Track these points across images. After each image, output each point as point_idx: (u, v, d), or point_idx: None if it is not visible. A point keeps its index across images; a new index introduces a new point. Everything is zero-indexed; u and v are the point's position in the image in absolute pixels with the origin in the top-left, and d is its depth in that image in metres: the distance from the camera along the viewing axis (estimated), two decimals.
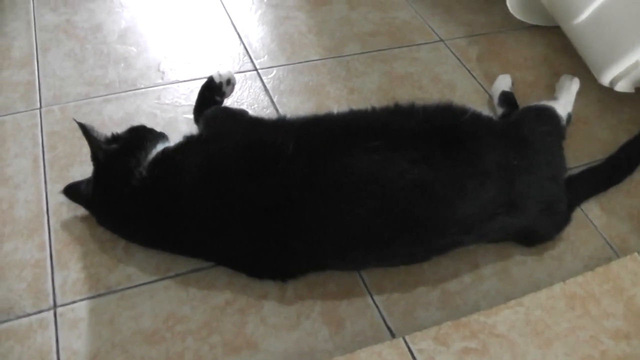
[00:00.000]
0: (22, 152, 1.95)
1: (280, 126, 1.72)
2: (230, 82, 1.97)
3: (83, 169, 1.84)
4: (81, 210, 1.76)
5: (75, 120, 1.71)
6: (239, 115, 1.86)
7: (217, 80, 1.95)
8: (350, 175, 1.50)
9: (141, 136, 1.73)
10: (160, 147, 1.68)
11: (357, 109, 1.71)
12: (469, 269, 1.69)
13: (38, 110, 2.08)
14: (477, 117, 1.66)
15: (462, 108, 1.68)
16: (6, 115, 2.07)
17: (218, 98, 1.96)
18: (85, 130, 1.68)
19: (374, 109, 1.69)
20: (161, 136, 1.76)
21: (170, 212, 1.59)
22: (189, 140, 1.67)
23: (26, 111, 2.08)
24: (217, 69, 1.97)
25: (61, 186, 1.76)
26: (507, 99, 2.07)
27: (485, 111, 1.74)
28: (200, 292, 1.63)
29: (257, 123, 1.76)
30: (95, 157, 1.69)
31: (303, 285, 1.64)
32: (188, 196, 1.57)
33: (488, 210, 1.54)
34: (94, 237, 1.73)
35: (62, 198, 1.75)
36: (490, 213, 1.55)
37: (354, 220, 1.50)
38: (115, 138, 1.73)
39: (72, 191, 1.74)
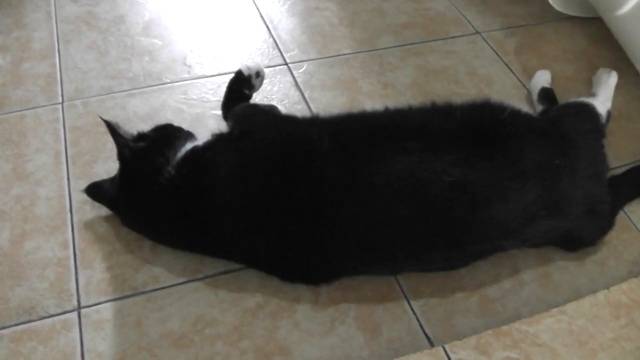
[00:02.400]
0: (44, 147, 1.96)
1: (313, 123, 1.72)
2: (259, 75, 1.98)
3: (107, 165, 1.87)
4: (105, 210, 1.78)
5: (100, 117, 1.71)
6: (270, 112, 1.88)
7: (245, 73, 1.95)
8: (388, 177, 1.50)
9: (169, 134, 1.74)
10: (189, 145, 1.69)
11: (392, 108, 1.70)
12: (508, 274, 1.69)
13: (60, 105, 2.10)
14: (516, 114, 1.66)
15: (500, 105, 1.67)
16: (27, 109, 2.08)
17: (247, 92, 1.97)
18: (112, 128, 1.69)
19: (410, 108, 1.69)
20: (189, 135, 1.77)
21: (200, 212, 1.60)
22: (218, 138, 1.68)
23: (47, 105, 2.10)
24: (246, 62, 1.97)
25: (84, 183, 1.78)
26: (546, 95, 2.07)
27: (525, 107, 1.74)
28: (231, 294, 1.64)
29: (290, 120, 1.77)
30: (121, 155, 1.70)
31: (337, 289, 1.65)
32: (218, 196, 1.58)
33: (529, 213, 1.53)
34: (119, 236, 1.74)
35: (86, 196, 1.77)
36: (532, 216, 1.54)
37: (391, 223, 1.50)
38: (141, 136, 1.74)
39: (95, 190, 1.76)
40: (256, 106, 1.94)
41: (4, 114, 2.07)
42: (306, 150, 1.57)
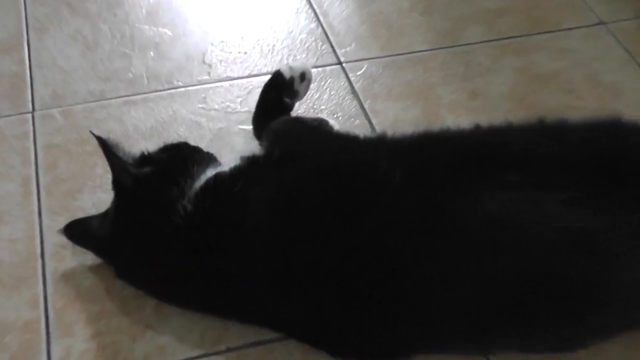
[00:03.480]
0: (6, 172, 1.95)
1: (380, 146, 1.69)
2: (304, 78, 1.97)
3: (96, 196, 1.84)
4: (91, 257, 1.75)
5: (91, 132, 1.68)
6: (322, 129, 1.86)
7: (286, 75, 1.95)
8: (479, 221, 1.45)
9: (184, 157, 1.72)
10: (210, 172, 1.66)
11: (485, 126, 1.68)
12: None
13: (30, 114, 2.09)
14: None
15: (634, 126, 1.64)
16: None
17: (287, 100, 1.96)
18: (106, 147, 1.65)
19: (509, 126, 1.66)
20: (211, 158, 1.76)
21: (226, 262, 1.56)
22: (251, 163, 1.65)
23: (12, 115, 2.10)
24: (286, 61, 1.98)
25: (63, 220, 1.74)
26: None
27: None
28: None
29: (349, 141, 1.74)
30: (119, 184, 1.68)
31: None
32: (251, 240, 1.54)
33: None
34: (110, 292, 1.71)
35: (64, 238, 1.74)
36: None
37: (483, 283, 1.45)
38: (146, 159, 1.72)
39: (78, 230, 1.73)
40: (302, 121, 1.93)
41: None
42: (371, 182, 1.53)
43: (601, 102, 2.14)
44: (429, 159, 1.59)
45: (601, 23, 2.38)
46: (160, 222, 1.61)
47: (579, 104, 2.13)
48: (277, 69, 1.96)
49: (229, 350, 1.63)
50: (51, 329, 1.65)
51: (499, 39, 2.33)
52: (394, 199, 1.50)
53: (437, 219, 1.48)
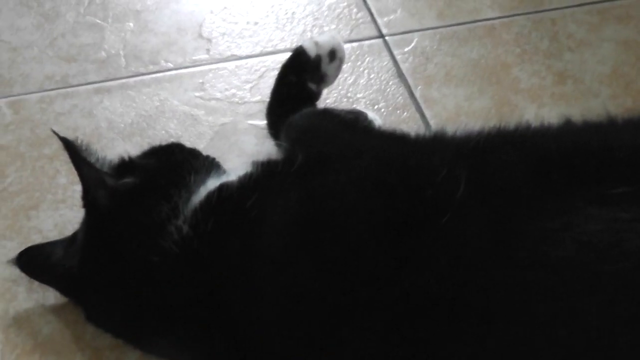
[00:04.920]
0: None
1: (437, 147, 1.72)
2: (335, 56, 2.00)
3: (58, 215, 1.89)
4: (54, 294, 1.80)
5: (54, 131, 1.71)
6: (359, 126, 1.89)
7: (311, 52, 1.98)
8: (572, 247, 1.44)
9: (177, 163, 1.77)
10: (212, 182, 1.70)
11: (579, 121, 1.69)
12: None
13: None
14: None
15: None
16: None
17: (312, 86, 1.99)
18: (75, 152, 1.69)
19: (612, 122, 1.68)
20: (213, 164, 1.80)
21: (235, 303, 1.58)
22: (266, 171, 1.69)
23: None
24: (310, 34, 2.02)
25: (14, 246, 1.81)
26: None
27: None
28: None
29: (397, 142, 1.77)
30: (91, 199, 1.71)
31: None
32: (270, 272, 1.57)
33: None
34: (79, 341, 1.76)
35: (16, 270, 1.77)
36: None
37: (574, 324, 1.44)
38: (128, 165, 1.76)
39: (35, 260, 1.77)
40: (332, 115, 1.95)
41: None
42: (428, 197, 1.55)
43: None
44: (502, 166, 1.60)
45: None
46: (146, 249, 1.63)
47: None
48: (300, 44, 1.98)
49: None
50: None
51: (596, 2, 2.36)
52: (457, 218, 1.50)
53: (514, 245, 1.48)
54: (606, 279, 1.39)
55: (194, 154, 1.82)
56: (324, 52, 1.98)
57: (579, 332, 1.40)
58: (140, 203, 1.67)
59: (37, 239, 1.82)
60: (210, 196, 1.64)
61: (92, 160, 1.69)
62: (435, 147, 1.69)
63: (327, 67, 1.99)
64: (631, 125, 1.65)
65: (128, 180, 1.70)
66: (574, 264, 1.41)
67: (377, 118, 1.96)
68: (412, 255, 1.47)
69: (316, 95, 2.00)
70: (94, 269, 1.69)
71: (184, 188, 1.68)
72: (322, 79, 2.00)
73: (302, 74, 1.98)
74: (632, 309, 1.38)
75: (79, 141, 1.68)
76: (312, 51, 1.97)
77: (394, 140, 1.77)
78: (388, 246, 1.49)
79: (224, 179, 1.71)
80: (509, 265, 1.43)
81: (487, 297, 1.43)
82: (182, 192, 1.67)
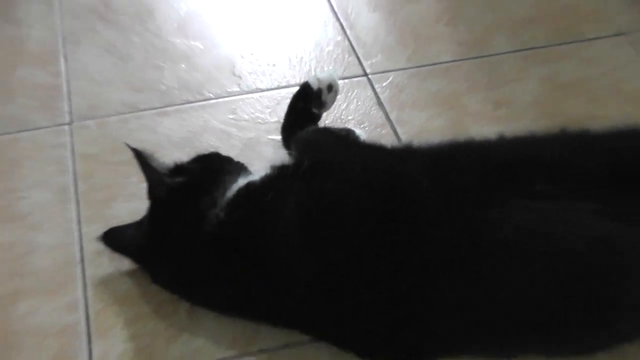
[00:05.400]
0: (44, 181, 1.99)
1: (407, 156, 1.72)
2: (332, 89, 1.98)
3: (131, 205, 1.87)
4: (128, 263, 1.79)
5: (127, 144, 1.71)
6: (349, 139, 1.89)
7: (314, 86, 1.96)
8: (509, 230, 1.47)
9: (216, 167, 1.76)
10: (242, 181, 1.70)
11: (510, 136, 1.69)
12: None
13: (67, 126, 2.13)
14: None
15: None
16: (21, 131, 2.12)
17: (315, 111, 1.98)
18: (142, 159, 1.70)
19: (533, 137, 1.67)
20: (242, 167, 1.79)
21: (257, 268, 1.59)
22: (281, 172, 1.69)
23: (50, 127, 2.13)
24: (314, 72, 2.02)
25: (99, 228, 1.78)
26: None
27: None
28: None
29: (377, 151, 1.76)
30: (154, 194, 1.73)
31: None
32: (282, 248, 1.58)
33: None
34: (146, 296, 1.75)
35: (101, 245, 1.76)
36: None
37: (511, 291, 1.47)
38: (179, 169, 1.75)
39: (115, 238, 1.77)
40: (329, 131, 1.96)
41: None
42: (401, 193, 1.56)
43: (623, 111, 2.15)
44: (457, 170, 1.60)
45: (622, 33, 2.38)
46: (193, 230, 1.64)
47: (602, 112, 2.15)
48: (306, 80, 1.97)
49: (261, 351, 1.66)
50: (91, 332, 1.69)
51: (523, 50, 2.35)
52: (424, 209, 1.53)
53: (465, 228, 1.50)
54: (533, 252, 1.42)
55: (228, 160, 1.82)
56: (324, 85, 1.97)
57: (513, 288, 1.44)
58: (188, 196, 1.67)
59: (115, 223, 1.79)
60: (239, 191, 1.65)
61: (154, 165, 1.69)
62: (406, 156, 1.70)
63: (326, 97, 1.98)
64: (549, 139, 1.65)
65: (180, 179, 1.70)
66: (511, 242, 1.44)
67: (363, 134, 1.96)
68: (392, 236, 1.50)
69: (318, 117, 2.00)
70: (157, 244, 1.70)
71: (221, 185, 1.67)
72: (323, 106, 1.99)
73: (308, 102, 1.97)
74: (550, 273, 1.43)
75: (145, 151, 1.69)
76: (315, 85, 1.96)
77: (375, 151, 1.77)
78: (372, 229, 1.51)
79: (250, 178, 1.71)
80: (463, 244, 1.46)
81: (446, 266, 1.47)
82: (220, 189, 1.66)
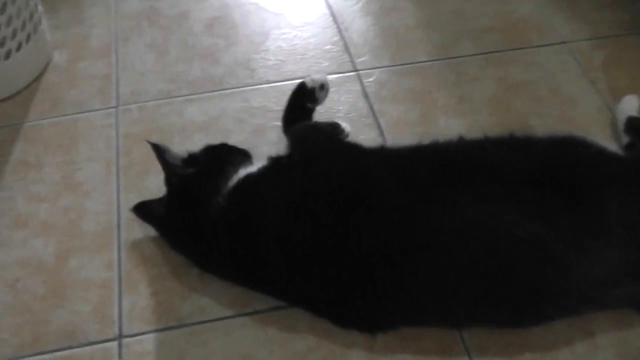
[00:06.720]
0: (95, 155, 1.94)
1: (379, 156, 1.66)
2: (323, 87, 1.91)
3: (159, 179, 1.78)
4: (153, 230, 1.74)
5: (148, 141, 1.69)
6: (333, 136, 1.81)
7: (309, 85, 1.89)
8: (456, 224, 1.42)
9: (221, 159, 1.70)
10: (242, 172, 1.65)
11: (468, 140, 1.62)
12: (582, 337, 1.55)
13: (114, 109, 2.07)
14: (601, 155, 1.54)
15: (584, 142, 1.56)
16: (80, 113, 2.07)
17: (309, 105, 1.91)
18: (159, 152, 1.67)
19: (487, 140, 1.60)
20: (244, 158, 1.73)
21: (249, 248, 1.55)
22: (274, 164, 1.64)
23: (101, 109, 2.07)
24: (310, 74, 1.93)
25: (134, 197, 1.75)
26: (632, 126, 1.87)
27: (608, 135, 1.73)
28: (280, 334, 1.56)
29: (353, 150, 1.70)
30: (169, 182, 1.69)
31: (394, 337, 1.54)
32: (269, 231, 1.53)
33: (612, 276, 1.41)
34: (166, 259, 1.70)
35: (133, 215, 1.74)
36: (614, 280, 1.42)
37: (456, 274, 1.42)
38: (192, 159, 1.71)
39: (143, 210, 1.73)
40: (317, 128, 1.87)
41: (58, 116, 2.06)
42: (368, 186, 1.52)
43: (561, 111, 2.03)
44: (415, 167, 1.55)
45: (563, 42, 2.26)
46: (199, 214, 1.60)
47: (544, 111, 2.03)
48: (302, 80, 1.91)
49: (255, 312, 1.60)
50: (122, 287, 1.66)
51: (484, 53, 2.23)
52: (386, 202, 1.48)
53: (420, 220, 1.45)
54: (471, 245, 1.40)
55: (233, 151, 1.76)
56: (317, 85, 1.90)
57: (456, 268, 1.41)
58: (197, 185, 1.64)
59: (146, 193, 1.77)
60: (239, 182, 1.61)
61: (170, 157, 1.67)
62: (375, 154, 1.65)
63: (319, 94, 1.91)
64: (499, 142, 1.59)
65: (190, 170, 1.66)
66: (456, 234, 1.41)
67: (348, 126, 1.86)
68: (360, 222, 1.48)
69: (312, 110, 1.93)
70: (172, 220, 1.67)
71: (224, 176, 1.63)
72: (315, 101, 1.92)
73: (303, 98, 1.90)
74: (486, 264, 1.40)
75: (162, 146, 1.68)
76: (309, 84, 1.89)
77: (353, 149, 1.71)
78: (344, 216, 1.48)
79: (249, 169, 1.66)
80: (415, 230, 1.44)
81: (402, 247, 1.44)
82: (222, 179, 1.62)
